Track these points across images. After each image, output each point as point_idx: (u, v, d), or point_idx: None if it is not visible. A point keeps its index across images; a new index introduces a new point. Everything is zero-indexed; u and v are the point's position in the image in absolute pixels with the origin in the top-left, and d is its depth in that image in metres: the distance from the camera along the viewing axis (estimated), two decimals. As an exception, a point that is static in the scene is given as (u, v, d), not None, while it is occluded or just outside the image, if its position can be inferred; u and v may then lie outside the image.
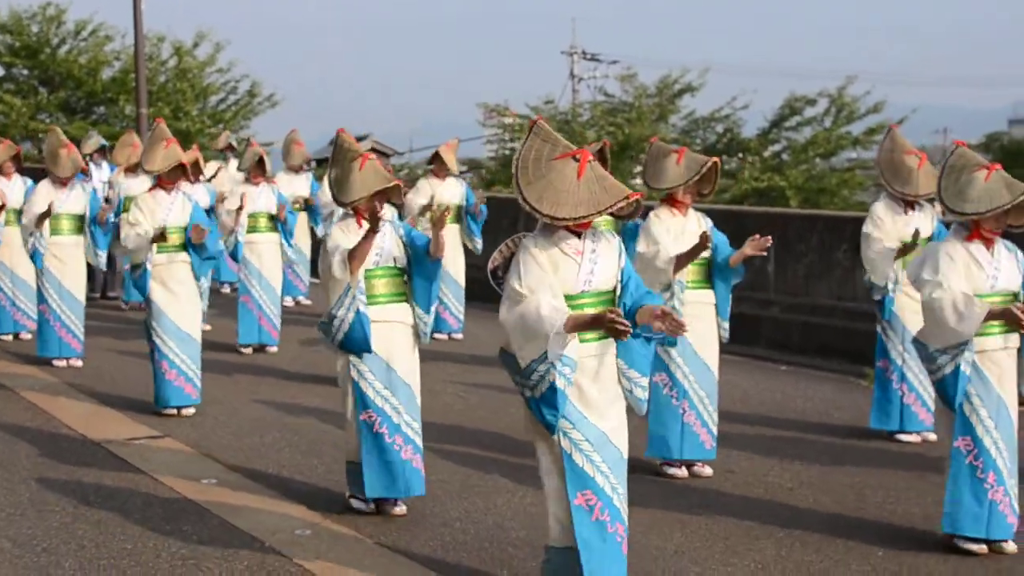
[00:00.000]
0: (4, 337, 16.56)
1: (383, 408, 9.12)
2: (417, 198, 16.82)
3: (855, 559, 8.46)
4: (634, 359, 7.12)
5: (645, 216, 10.57)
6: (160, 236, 12.14)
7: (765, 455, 11.23)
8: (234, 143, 23.76)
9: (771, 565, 8.33)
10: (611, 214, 7.22)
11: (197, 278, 12.50)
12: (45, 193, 15.05)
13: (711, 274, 10.49)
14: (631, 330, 6.71)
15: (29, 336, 16.27)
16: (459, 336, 17.25)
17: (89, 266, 15.82)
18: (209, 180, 20.25)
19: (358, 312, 8.98)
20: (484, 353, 15.62)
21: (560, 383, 6.83)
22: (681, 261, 10.15)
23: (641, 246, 10.24)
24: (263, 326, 16.30)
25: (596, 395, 7.05)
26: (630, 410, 7.28)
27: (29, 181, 16.33)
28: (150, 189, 12.65)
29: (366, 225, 9.06)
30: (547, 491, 7.16)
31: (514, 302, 6.92)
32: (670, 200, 10.40)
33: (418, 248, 9.18)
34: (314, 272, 20.77)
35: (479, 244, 17.05)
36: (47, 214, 14.84)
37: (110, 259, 19.81)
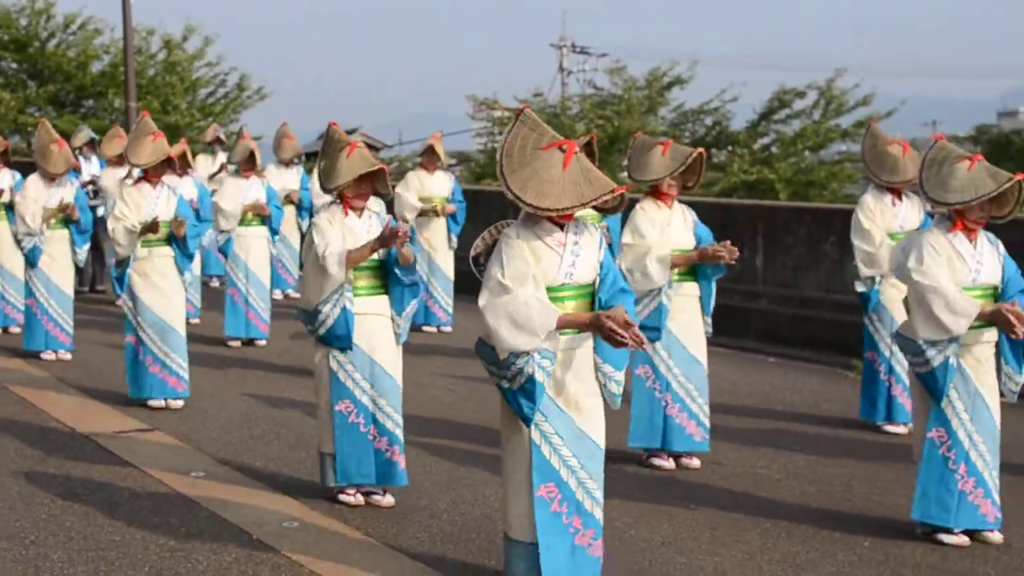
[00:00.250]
0: (-8, 331, 16.56)
1: (361, 399, 9.15)
2: (407, 193, 16.84)
3: (841, 550, 8.49)
4: (608, 354, 7.10)
5: (631, 210, 10.57)
6: (151, 228, 12.13)
7: (753, 447, 11.25)
8: (222, 136, 23.76)
9: (758, 555, 8.36)
10: (596, 208, 7.21)
11: (181, 272, 12.47)
12: (35, 188, 15.01)
13: (695, 267, 10.48)
14: (627, 341, 6.68)
15: (18, 330, 16.26)
16: (448, 329, 17.28)
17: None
18: (213, 176, 20.31)
19: (344, 309, 9.00)
20: (472, 345, 15.63)
21: (539, 376, 6.82)
22: (676, 264, 10.20)
23: (626, 237, 10.25)
24: (251, 319, 16.30)
25: (572, 387, 7.04)
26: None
27: (18, 175, 16.32)
28: (135, 182, 12.61)
29: (352, 215, 9.09)
30: (511, 482, 7.16)
31: (495, 293, 6.90)
32: (655, 192, 10.39)
33: (391, 253, 9.19)
34: (302, 265, 20.83)
35: (455, 242, 17.26)
36: (61, 209, 14.82)
37: (99, 252, 19.81)
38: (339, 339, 9.06)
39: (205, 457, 10.69)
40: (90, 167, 20.23)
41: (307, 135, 34.82)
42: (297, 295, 19.98)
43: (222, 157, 22.33)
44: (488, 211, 19.11)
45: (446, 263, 17.24)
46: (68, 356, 15.05)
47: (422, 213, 16.94)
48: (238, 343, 16.17)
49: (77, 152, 19.48)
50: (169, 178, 12.92)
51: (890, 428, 11.83)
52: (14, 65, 40.51)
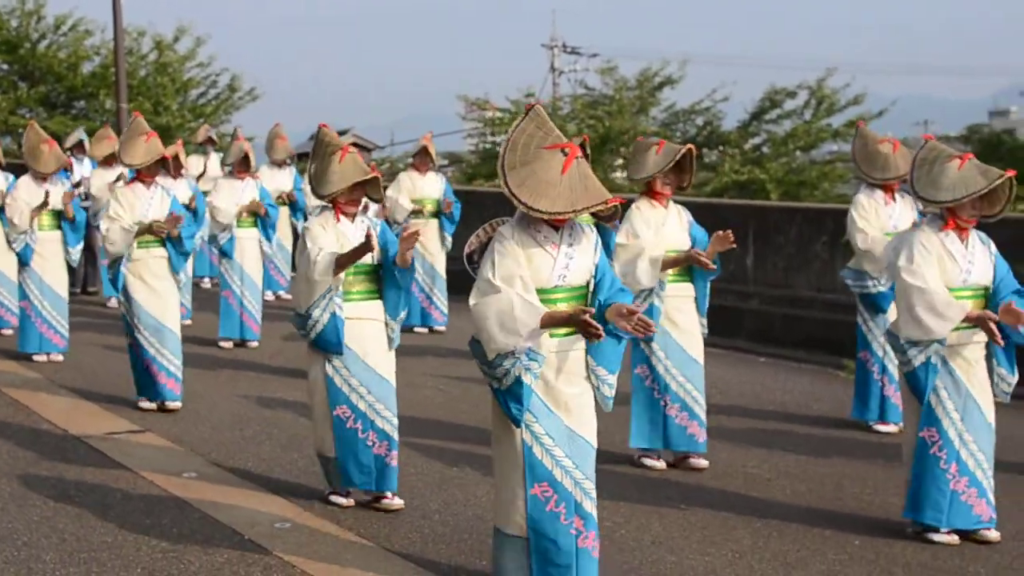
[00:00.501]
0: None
1: (357, 404, 9.15)
2: (398, 195, 16.85)
3: (832, 548, 8.52)
4: (602, 356, 7.10)
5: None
6: (147, 229, 12.14)
7: (744, 446, 11.28)
8: (214, 137, 23.76)
9: (748, 554, 8.39)
10: (593, 214, 7.21)
11: (175, 271, 12.47)
12: (26, 189, 15.01)
13: (691, 268, 10.51)
14: (603, 334, 6.73)
15: (11, 332, 16.26)
16: (441, 328, 17.30)
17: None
18: (199, 178, 20.33)
19: (333, 315, 9.03)
20: (465, 346, 15.62)
21: (526, 378, 6.85)
22: (666, 265, 10.23)
23: (621, 237, 10.26)
24: (244, 321, 16.30)
25: (563, 389, 7.04)
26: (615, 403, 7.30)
27: (11, 176, 16.31)
28: (129, 183, 12.58)
29: (344, 220, 9.10)
30: (504, 482, 7.16)
31: (484, 292, 6.92)
32: (650, 192, 10.42)
33: (388, 255, 9.18)
34: (295, 266, 20.84)
35: (449, 242, 17.26)
36: (44, 205, 14.82)
37: (91, 254, 19.81)
38: (329, 344, 9.08)
39: (197, 458, 10.70)
40: (81, 168, 20.23)
41: (299, 136, 34.93)
42: (289, 296, 20.01)
43: (214, 158, 22.33)
44: (480, 211, 19.09)
45: (440, 264, 17.26)
46: (60, 358, 15.03)
47: (414, 214, 16.94)
48: (230, 344, 16.17)
49: (68, 153, 19.46)
50: (163, 179, 12.91)
51: (881, 428, 11.85)
52: (4, 66, 40.46)
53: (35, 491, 9.67)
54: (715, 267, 10.25)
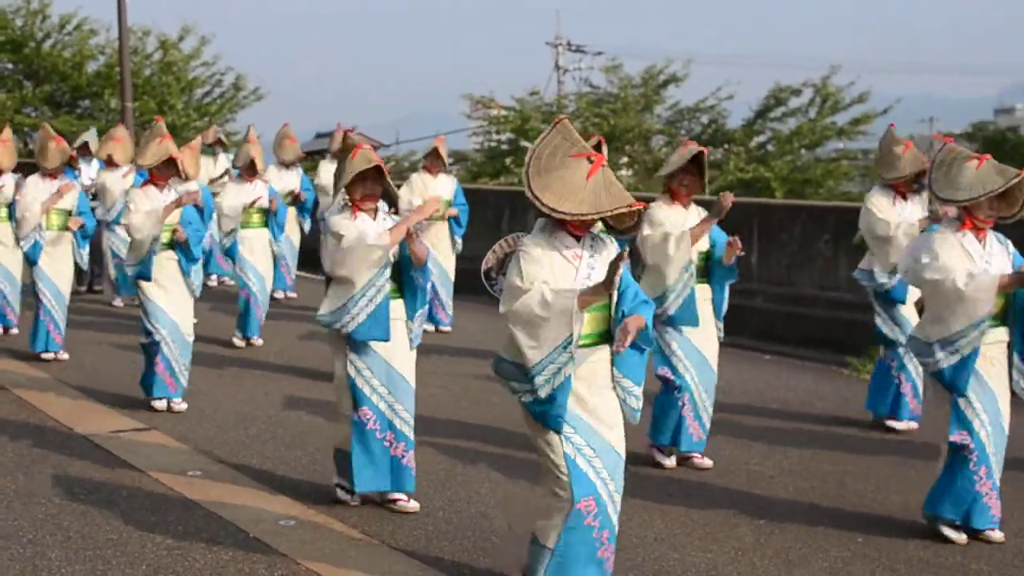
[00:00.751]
0: (-8, 331, 16.57)
1: (378, 406, 9.06)
2: (411, 196, 16.85)
3: (834, 545, 8.54)
4: (627, 367, 7.06)
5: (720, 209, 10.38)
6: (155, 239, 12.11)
7: (747, 444, 11.31)
8: (223, 138, 23.75)
9: (750, 551, 8.41)
10: (610, 228, 7.11)
11: (186, 276, 12.42)
12: (34, 187, 15.02)
13: (709, 270, 10.51)
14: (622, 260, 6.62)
15: (16, 331, 16.27)
16: (447, 328, 17.31)
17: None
18: (214, 181, 20.36)
19: (380, 303, 8.93)
20: (469, 345, 15.71)
21: (567, 369, 6.78)
22: (694, 233, 10.25)
23: (645, 230, 10.21)
24: (259, 318, 16.36)
25: (593, 400, 6.98)
26: None
27: (18, 176, 16.33)
28: (142, 185, 12.53)
29: (364, 216, 9.02)
30: (544, 492, 7.07)
31: (515, 296, 6.85)
32: (669, 192, 10.44)
33: (404, 255, 9.10)
34: (301, 266, 20.84)
35: (459, 244, 17.17)
36: (59, 195, 14.84)
37: (97, 253, 19.82)
38: (376, 330, 8.95)
39: (202, 456, 10.72)
40: (88, 170, 20.23)
41: (304, 135, 34.90)
42: (294, 295, 19.99)
43: (223, 158, 22.33)
44: (484, 210, 19.19)
45: (449, 265, 17.25)
46: (65, 356, 15.04)
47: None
48: (244, 344, 16.16)
49: (75, 154, 19.47)
50: (178, 183, 12.82)
51: (894, 424, 11.81)
52: (10, 66, 40.59)
53: (40, 489, 9.70)
54: (739, 245, 10.20)
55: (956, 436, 8.58)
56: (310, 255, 20.32)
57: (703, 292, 10.50)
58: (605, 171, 6.86)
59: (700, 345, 10.46)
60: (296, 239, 19.96)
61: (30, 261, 15.06)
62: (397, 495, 9.23)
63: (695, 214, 10.47)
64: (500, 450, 10.90)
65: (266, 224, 16.60)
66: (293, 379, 13.96)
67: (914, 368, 11.66)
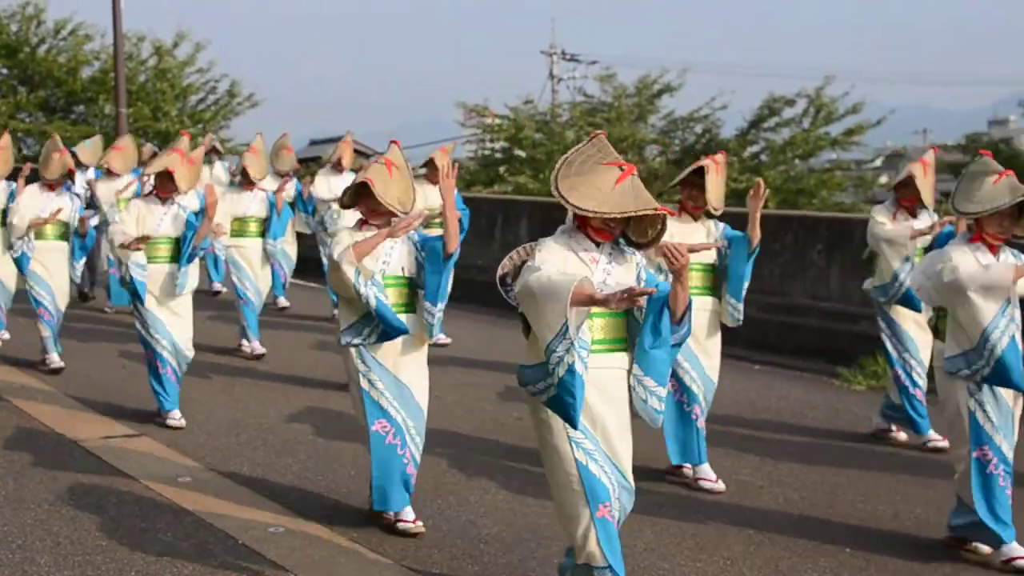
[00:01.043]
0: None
1: (395, 418, 8.82)
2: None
3: (823, 556, 8.56)
4: (652, 365, 6.89)
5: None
6: (141, 239, 12.04)
7: (737, 454, 11.32)
8: (218, 146, 23.71)
9: (740, 561, 8.42)
10: (631, 242, 7.02)
11: (180, 289, 12.17)
12: (30, 196, 14.93)
13: (714, 281, 10.41)
14: (645, 293, 6.50)
15: (8, 336, 16.23)
16: (445, 340, 17.28)
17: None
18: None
19: (378, 299, 8.69)
20: (461, 354, 15.70)
21: (579, 367, 6.53)
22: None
23: None
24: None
25: (600, 406, 6.86)
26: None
27: (13, 184, 16.28)
28: (146, 195, 12.46)
29: (369, 230, 8.88)
30: (564, 506, 6.93)
31: (525, 276, 6.71)
32: (680, 205, 10.41)
33: (433, 247, 8.92)
34: (298, 274, 20.80)
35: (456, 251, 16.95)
36: (44, 221, 14.74)
37: (91, 261, 19.78)
38: (389, 326, 8.70)
39: (192, 463, 10.72)
40: (82, 178, 20.15)
41: (299, 141, 34.96)
42: (286, 303, 19.95)
43: (219, 166, 22.30)
44: (477, 218, 19.12)
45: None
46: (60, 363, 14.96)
47: (427, 225, 16.89)
48: (258, 350, 16.13)
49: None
50: (181, 198, 12.61)
51: (939, 442, 11.64)
52: (4, 71, 40.64)
53: (30, 494, 9.69)
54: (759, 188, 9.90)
55: (978, 452, 8.46)
56: (307, 262, 20.37)
57: (710, 304, 10.42)
58: (635, 179, 6.83)
59: (704, 361, 10.39)
60: (292, 249, 19.88)
61: (19, 268, 14.99)
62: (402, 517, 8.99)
63: (703, 228, 10.34)
64: (490, 459, 10.91)
65: (262, 234, 16.60)
66: (284, 386, 13.97)
67: (923, 380, 11.64)
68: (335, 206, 18.13)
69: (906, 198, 11.77)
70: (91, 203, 18.76)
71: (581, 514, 6.82)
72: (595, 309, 6.79)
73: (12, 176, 16.31)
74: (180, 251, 12.19)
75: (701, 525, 9.18)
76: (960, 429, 8.58)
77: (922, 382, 11.66)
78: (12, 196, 15.55)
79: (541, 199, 27.20)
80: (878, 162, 62.24)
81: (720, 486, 10.24)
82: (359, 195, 8.91)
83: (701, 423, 10.34)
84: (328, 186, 18.61)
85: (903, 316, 11.78)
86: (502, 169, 39.22)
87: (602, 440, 6.89)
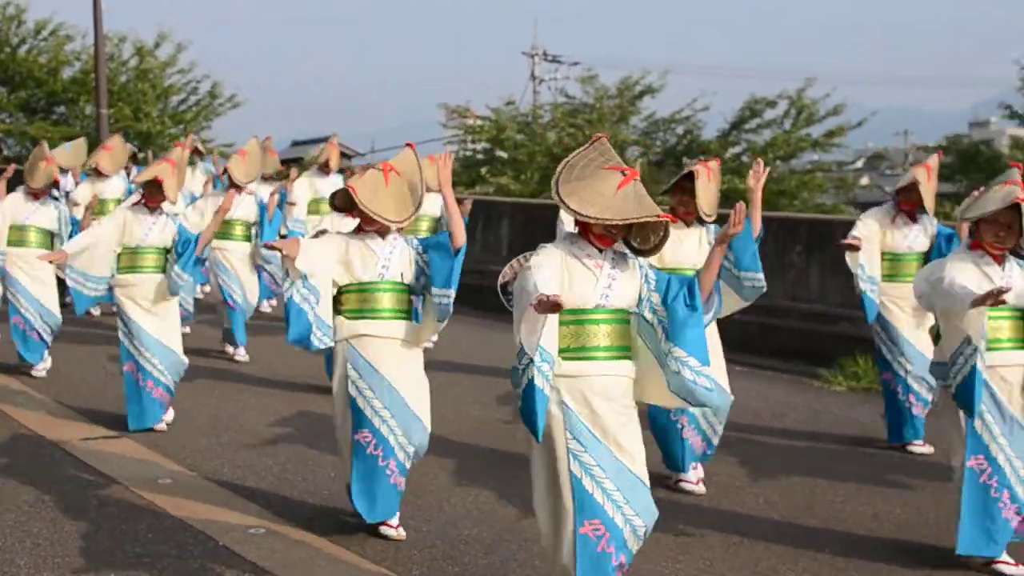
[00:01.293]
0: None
1: (380, 429, 8.70)
2: None
3: (802, 557, 8.57)
4: (689, 343, 6.75)
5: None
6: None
7: (717, 455, 11.26)
8: (200, 147, 23.63)
9: (720, 562, 8.43)
10: (634, 249, 6.95)
11: (173, 293, 12.06)
12: (12, 204, 14.80)
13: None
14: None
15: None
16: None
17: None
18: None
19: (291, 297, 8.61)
20: (442, 356, 15.68)
21: (538, 380, 6.43)
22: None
23: None
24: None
25: (611, 417, 6.77)
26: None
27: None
28: (135, 203, 12.32)
29: (375, 236, 8.78)
30: (551, 518, 6.87)
31: (525, 273, 6.65)
32: (671, 211, 10.28)
33: (438, 242, 8.78)
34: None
35: None
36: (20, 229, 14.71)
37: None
38: (289, 326, 8.62)
39: (172, 464, 10.70)
40: (66, 182, 20.06)
41: (281, 142, 34.92)
42: (268, 308, 19.83)
43: (201, 167, 22.23)
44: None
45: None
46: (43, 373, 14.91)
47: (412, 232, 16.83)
48: (242, 355, 16.16)
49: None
50: (169, 207, 12.48)
51: (916, 448, 11.63)
52: (-16, 71, 40.51)
53: (9, 496, 9.67)
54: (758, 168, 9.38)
55: (972, 461, 8.33)
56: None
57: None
58: (637, 184, 6.75)
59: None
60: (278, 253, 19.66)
61: None
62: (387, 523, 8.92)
63: (696, 234, 10.15)
64: (472, 461, 10.93)
65: (248, 238, 16.52)
66: (265, 389, 13.97)
67: (920, 385, 11.55)
68: (298, 213, 18.12)
69: (908, 202, 11.70)
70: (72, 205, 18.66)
71: (564, 526, 6.75)
72: (601, 316, 6.79)
73: None
74: (167, 261, 12.06)
75: (681, 526, 9.17)
76: (957, 437, 8.46)
77: (918, 387, 11.55)
78: None
79: (523, 200, 27.23)
80: (859, 164, 62.31)
81: (700, 489, 10.22)
82: (351, 201, 8.76)
83: (687, 434, 10.16)
84: (313, 188, 18.57)
85: (899, 319, 11.68)
86: (484, 170, 39.24)
87: (616, 450, 6.78)
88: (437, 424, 12.04)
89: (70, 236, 14.37)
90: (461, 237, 8.69)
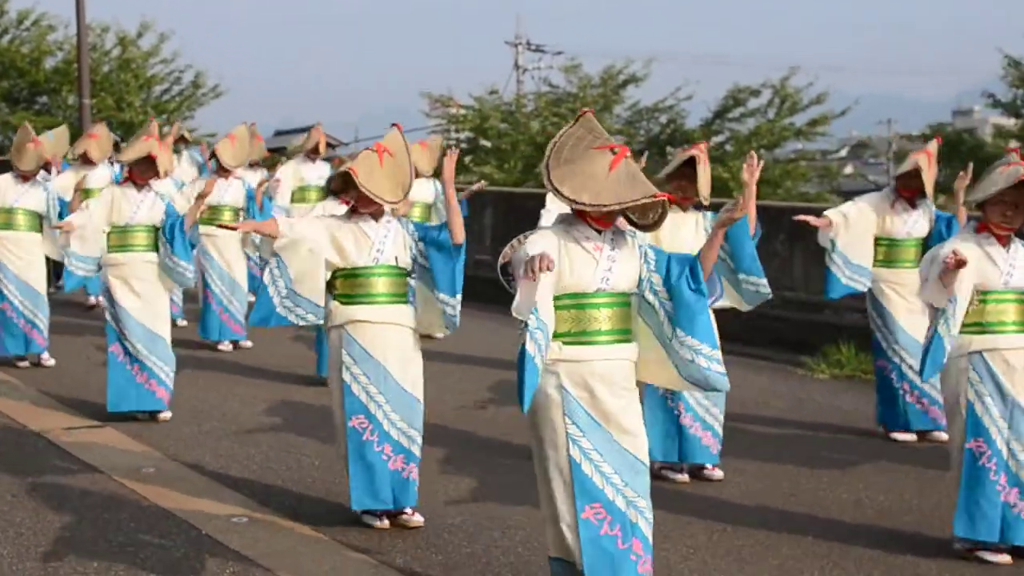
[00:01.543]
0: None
1: (375, 414, 8.67)
2: None
3: (786, 543, 8.58)
4: (698, 329, 6.72)
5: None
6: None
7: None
8: (186, 135, 23.54)
9: (703, 550, 8.44)
10: (633, 223, 6.88)
11: (173, 264, 11.94)
12: (4, 186, 14.78)
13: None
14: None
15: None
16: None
17: (50, 261, 15.32)
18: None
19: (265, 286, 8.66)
20: (424, 345, 15.64)
21: (530, 347, 6.26)
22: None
23: None
24: (224, 321, 16.17)
25: (611, 401, 6.71)
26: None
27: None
28: (122, 182, 12.27)
29: (368, 219, 8.70)
30: (548, 500, 6.81)
31: (520, 255, 6.53)
32: (667, 197, 10.18)
33: (436, 238, 8.73)
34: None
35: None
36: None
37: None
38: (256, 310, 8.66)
39: (155, 453, 10.70)
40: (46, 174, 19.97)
41: (265, 130, 34.82)
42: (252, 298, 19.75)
43: (186, 155, 22.13)
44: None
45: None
46: (51, 361, 14.87)
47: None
48: (229, 347, 16.10)
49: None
50: (157, 183, 12.43)
51: (900, 436, 11.61)
52: (-34, 62, 40.38)
53: (-8, 486, 9.68)
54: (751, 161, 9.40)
55: (971, 443, 8.30)
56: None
57: None
58: (628, 162, 6.65)
59: None
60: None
61: None
62: (399, 510, 8.87)
63: (692, 220, 10.18)
64: (454, 449, 10.91)
65: (236, 223, 16.31)
66: (249, 378, 13.96)
67: (915, 374, 11.43)
68: (282, 200, 18.03)
69: (908, 188, 11.63)
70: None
71: (567, 511, 6.70)
72: (602, 300, 6.73)
73: None
74: (157, 240, 12.00)
75: (664, 514, 9.12)
76: (959, 422, 8.41)
77: (912, 376, 11.46)
78: None
79: (506, 189, 27.22)
80: (843, 152, 62.36)
81: (684, 477, 10.21)
82: (347, 183, 8.73)
83: (686, 420, 10.08)
84: (298, 176, 18.47)
85: (896, 306, 11.62)
86: (467, 159, 39.20)
87: (616, 432, 6.73)
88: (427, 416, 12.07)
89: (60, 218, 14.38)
90: (460, 234, 8.67)
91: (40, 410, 12.27)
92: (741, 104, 38.61)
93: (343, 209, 9.05)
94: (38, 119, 35.93)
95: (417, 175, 16.36)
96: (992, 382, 8.29)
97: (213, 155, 16.42)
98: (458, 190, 9.00)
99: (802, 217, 11.59)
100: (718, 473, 10.28)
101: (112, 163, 18.35)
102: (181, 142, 22.47)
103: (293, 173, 18.73)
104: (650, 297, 6.84)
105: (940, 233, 11.25)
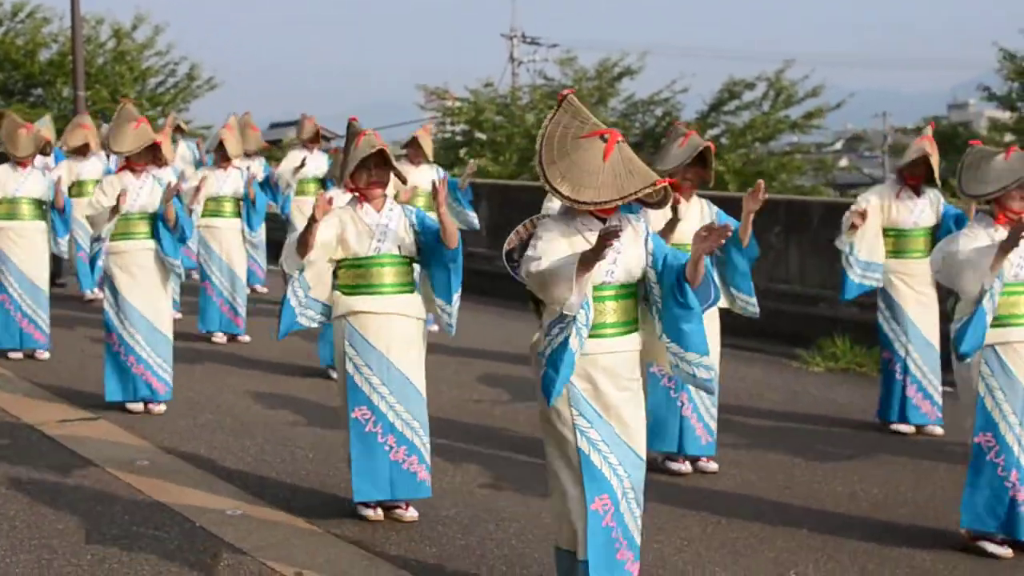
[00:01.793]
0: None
1: (378, 406, 8.62)
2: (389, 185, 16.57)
3: (780, 536, 8.57)
4: (688, 339, 6.62)
5: (675, 208, 9.51)
6: (113, 210, 11.64)
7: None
8: (182, 125, 23.47)
9: (697, 542, 8.44)
10: (639, 201, 6.80)
11: (169, 256, 11.93)
12: (2, 178, 14.70)
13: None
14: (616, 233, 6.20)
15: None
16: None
17: (52, 254, 15.32)
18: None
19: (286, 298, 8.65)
20: (444, 340, 15.65)
21: (573, 342, 6.39)
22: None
23: None
24: (224, 313, 16.09)
25: (613, 394, 6.69)
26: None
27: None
28: (118, 170, 12.21)
29: (370, 208, 8.67)
30: (558, 492, 6.78)
31: (527, 264, 6.53)
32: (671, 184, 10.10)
33: (431, 237, 8.66)
34: (272, 259, 20.65)
35: (472, 219, 15.81)
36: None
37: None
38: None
39: (149, 445, 10.68)
40: (45, 160, 19.92)
41: (260, 123, 34.79)
42: (264, 289, 19.67)
43: (183, 145, 22.06)
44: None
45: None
46: (45, 355, 14.70)
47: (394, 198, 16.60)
48: (223, 338, 16.04)
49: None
50: (157, 170, 12.38)
51: (900, 428, 11.59)
52: (-39, 54, 40.32)
53: (-14, 478, 9.67)
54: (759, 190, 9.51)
55: (980, 437, 8.26)
56: (271, 247, 20.23)
57: None
58: (622, 148, 6.55)
59: None
60: (262, 231, 19.39)
61: None
62: (394, 504, 8.84)
63: (696, 208, 10.11)
64: (448, 442, 10.87)
65: (239, 214, 16.33)
66: (243, 370, 13.94)
67: (918, 368, 11.47)
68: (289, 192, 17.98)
69: (914, 176, 11.56)
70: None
71: (577, 502, 6.66)
72: (607, 292, 6.68)
73: None
74: (157, 227, 11.91)
75: (658, 506, 9.15)
76: (971, 413, 8.37)
77: (915, 369, 11.46)
78: None
79: (501, 182, 27.21)
80: (838, 145, 62.38)
81: (687, 467, 10.19)
82: (361, 167, 8.62)
83: (687, 411, 10.06)
84: (295, 163, 18.34)
85: (905, 297, 11.55)
86: (462, 152, 39.18)
87: (616, 425, 6.70)
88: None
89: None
90: (453, 240, 8.56)
91: (34, 402, 12.24)
92: (736, 97, 38.59)
93: (347, 198, 8.99)
94: (33, 111, 35.88)
95: (421, 161, 16.41)
96: (1005, 375, 8.23)
97: (220, 146, 16.28)
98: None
99: (857, 220, 11.46)
100: (713, 465, 10.27)
101: (108, 156, 18.31)
102: (178, 132, 22.44)
103: (293, 161, 18.48)
104: (653, 290, 6.76)
105: (949, 229, 11.17)
